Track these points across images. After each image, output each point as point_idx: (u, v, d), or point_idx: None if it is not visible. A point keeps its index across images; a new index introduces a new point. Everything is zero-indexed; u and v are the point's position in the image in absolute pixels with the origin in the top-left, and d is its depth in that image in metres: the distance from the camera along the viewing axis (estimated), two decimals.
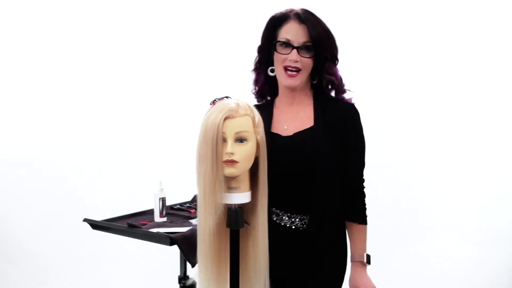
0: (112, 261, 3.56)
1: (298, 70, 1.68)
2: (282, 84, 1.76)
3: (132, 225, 2.22)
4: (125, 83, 3.60)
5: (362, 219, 1.75)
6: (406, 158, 3.31)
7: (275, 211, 1.71)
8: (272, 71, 1.77)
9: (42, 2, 3.60)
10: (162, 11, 3.56)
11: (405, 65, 3.31)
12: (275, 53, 1.71)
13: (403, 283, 3.30)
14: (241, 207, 1.48)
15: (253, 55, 3.56)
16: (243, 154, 1.42)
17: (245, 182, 1.47)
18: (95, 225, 2.28)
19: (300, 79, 1.70)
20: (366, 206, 1.77)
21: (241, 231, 1.50)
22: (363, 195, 1.77)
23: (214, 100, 1.48)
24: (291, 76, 1.69)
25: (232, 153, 1.40)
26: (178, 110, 3.49)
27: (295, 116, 1.75)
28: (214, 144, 1.40)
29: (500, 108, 3.29)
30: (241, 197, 1.47)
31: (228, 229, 1.48)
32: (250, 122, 1.44)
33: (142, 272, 3.51)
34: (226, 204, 1.46)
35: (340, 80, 1.75)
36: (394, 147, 3.27)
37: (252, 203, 1.51)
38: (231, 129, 1.41)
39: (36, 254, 3.62)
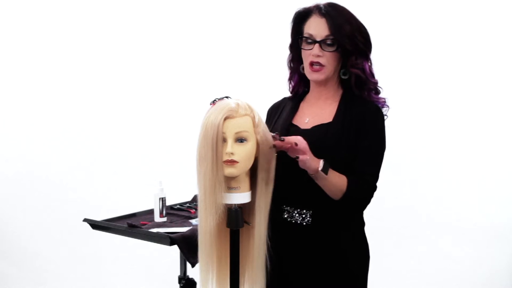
0: (112, 261, 3.56)
1: (322, 65, 1.66)
2: (310, 79, 1.74)
3: (132, 225, 2.22)
4: (125, 83, 3.61)
5: (352, 189, 1.59)
6: (406, 158, 3.31)
7: (285, 208, 1.69)
8: (303, 68, 1.75)
9: (42, 2, 3.60)
10: (162, 11, 3.56)
11: (408, 66, 3.31)
12: (302, 49, 1.70)
13: (403, 283, 3.30)
14: (241, 207, 1.48)
15: (253, 54, 3.59)
16: (243, 154, 1.42)
17: (245, 182, 1.47)
18: (95, 225, 2.28)
19: (325, 74, 1.68)
20: (365, 197, 1.65)
21: (241, 231, 1.50)
22: (369, 189, 1.65)
23: (214, 100, 1.47)
24: (316, 70, 1.67)
25: (232, 153, 1.40)
26: (178, 110, 3.49)
27: (318, 112, 1.73)
28: (214, 144, 1.39)
29: (500, 109, 3.29)
30: (241, 197, 1.47)
31: (229, 229, 1.49)
32: (250, 122, 1.44)
33: (142, 272, 3.51)
34: (226, 204, 1.46)
35: (369, 75, 1.70)
36: (393, 147, 3.27)
37: (252, 203, 1.51)
38: (231, 129, 1.41)
39: (36, 254, 3.62)
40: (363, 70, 1.69)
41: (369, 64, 1.72)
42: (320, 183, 1.57)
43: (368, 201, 1.69)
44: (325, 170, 1.54)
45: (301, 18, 1.71)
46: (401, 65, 3.28)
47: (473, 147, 3.31)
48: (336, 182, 1.58)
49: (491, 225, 3.28)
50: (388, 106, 1.75)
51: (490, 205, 3.29)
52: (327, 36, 1.64)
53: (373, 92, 1.72)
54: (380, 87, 1.73)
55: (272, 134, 1.52)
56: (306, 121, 1.72)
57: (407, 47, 3.32)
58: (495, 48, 3.26)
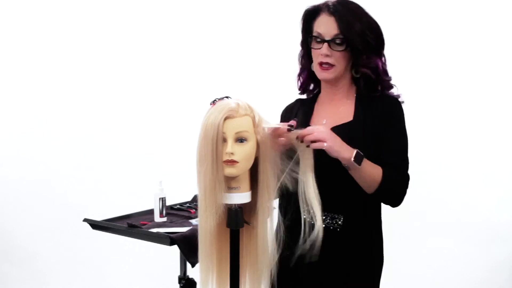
0: (112, 261, 3.56)
1: (331, 65, 1.64)
2: (319, 78, 1.71)
3: (132, 225, 2.22)
4: (125, 83, 3.61)
5: (388, 179, 1.56)
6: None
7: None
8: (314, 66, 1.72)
9: (42, 2, 3.60)
10: (162, 11, 3.56)
11: (411, 68, 3.31)
12: (311, 48, 1.68)
13: (403, 282, 3.29)
14: (241, 207, 1.48)
15: (253, 54, 3.58)
16: (243, 154, 1.42)
17: (245, 182, 1.47)
18: (95, 225, 2.28)
19: (334, 73, 1.65)
20: (402, 188, 1.61)
21: (242, 231, 1.50)
22: (405, 179, 1.63)
23: (214, 100, 1.47)
24: (325, 69, 1.64)
25: (232, 153, 1.40)
26: (178, 110, 3.49)
27: (335, 112, 1.70)
28: (214, 144, 1.39)
29: (499, 109, 3.29)
30: (241, 197, 1.46)
31: (229, 229, 1.48)
32: (250, 122, 1.44)
33: (142, 272, 3.51)
34: (226, 204, 1.46)
35: (382, 73, 1.67)
36: None
37: (252, 203, 1.51)
38: (231, 129, 1.40)
39: (36, 255, 3.62)
40: (376, 68, 1.65)
41: (383, 61, 1.68)
42: (355, 174, 1.55)
43: (404, 193, 1.64)
44: (357, 160, 1.51)
45: (310, 16, 1.68)
46: (403, 66, 3.26)
47: (473, 147, 3.31)
48: (371, 173, 1.55)
49: (490, 224, 3.28)
50: (403, 101, 1.71)
51: (490, 204, 3.29)
52: (336, 35, 1.61)
53: (386, 89, 1.70)
54: (394, 84, 1.71)
55: (289, 124, 1.49)
56: (324, 122, 1.69)
57: (408, 50, 3.32)
58: (496, 49, 3.25)
